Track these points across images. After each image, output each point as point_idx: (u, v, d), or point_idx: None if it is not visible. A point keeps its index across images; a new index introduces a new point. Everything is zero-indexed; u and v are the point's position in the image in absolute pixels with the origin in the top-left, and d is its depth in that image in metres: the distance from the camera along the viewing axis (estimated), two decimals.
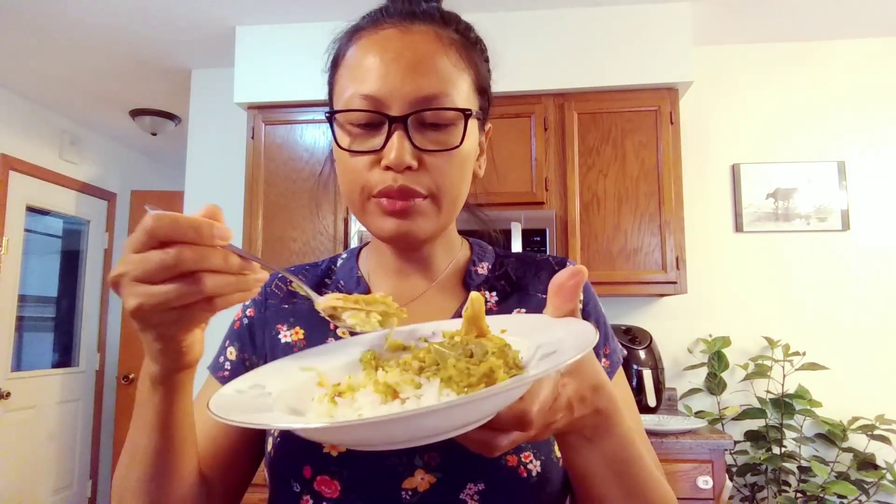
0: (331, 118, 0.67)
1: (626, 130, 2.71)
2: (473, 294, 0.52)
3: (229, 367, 0.75)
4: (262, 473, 0.70)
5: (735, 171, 2.96)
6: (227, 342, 0.78)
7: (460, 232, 0.81)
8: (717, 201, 2.97)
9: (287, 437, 0.65)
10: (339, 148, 0.66)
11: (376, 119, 0.64)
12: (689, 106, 2.92)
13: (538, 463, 0.62)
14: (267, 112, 2.92)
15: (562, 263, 0.78)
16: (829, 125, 2.95)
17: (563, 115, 2.75)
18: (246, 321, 0.77)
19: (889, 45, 2.97)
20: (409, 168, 0.63)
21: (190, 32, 2.99)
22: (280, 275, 0.79)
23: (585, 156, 2.72)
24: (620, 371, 0.75)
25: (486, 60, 0.74)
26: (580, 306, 0.48)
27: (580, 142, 2.72)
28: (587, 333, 0.43)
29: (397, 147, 0.62)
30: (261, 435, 0.73)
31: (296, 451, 0.64)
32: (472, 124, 0.68)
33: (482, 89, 0.71)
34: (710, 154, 2.99)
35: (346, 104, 0.65)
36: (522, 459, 0.61)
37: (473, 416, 0.39)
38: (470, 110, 0.65)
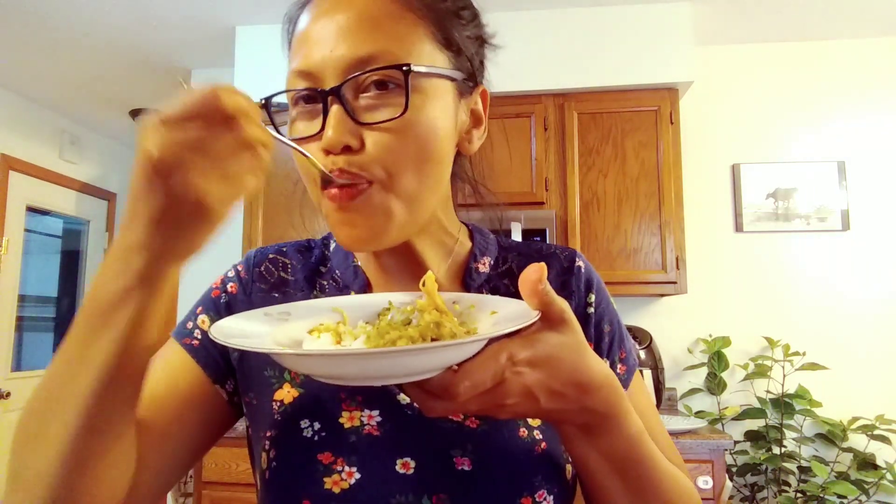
0: (267, 105, 0.57)
1: (626, 130, 2.71)
2: (428, 272, 0.51)
3: (199, 336, 0.65)
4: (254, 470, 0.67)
5: (735, 171, 2.96)
6: (200, 309, 0.68)
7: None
8: (717, 201, 2.97)
9: (283, 461, 0.59)
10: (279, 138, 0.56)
11: (312, 97, 0.56)
12: (689, 106, 2.92)
13: (551, 498, 0.58)
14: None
15: (571, 259, 0.69)
16: (829, 125, 2.95)
17: (563, 115, 2.75)
18: (225, 297, 0.68)
19: (889, 45, 2.97)
20: (349, 149, 0.54)
21: (190, 32, 2.99)
22: (270, 256, 0.71)
23: (585, 156, 2.72)
24: (637, 376, 0.69)
25: (461, 9, 0.61)
26: (552, 299, 0.46)
27: (580, 142, 2.72)
28: (518, 321, 0.46)
29: (332, 125, 0.53)
30: (218, 408, 0.65)
31: (295, 483, 0.58)
32: (436, 86, 0.56)
33: (451, 42, 0.59)
34: (710, 154, 2.99)
35: (285, 87, 0.57)
36: (536, 499, 0.57)
37: (356, 370, 0.43)
38: (407, 65, 0.53)
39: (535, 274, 0.46)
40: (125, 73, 3.43)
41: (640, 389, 0.68)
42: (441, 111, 0.57)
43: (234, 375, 0.66)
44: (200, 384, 0.64)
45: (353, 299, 0.60)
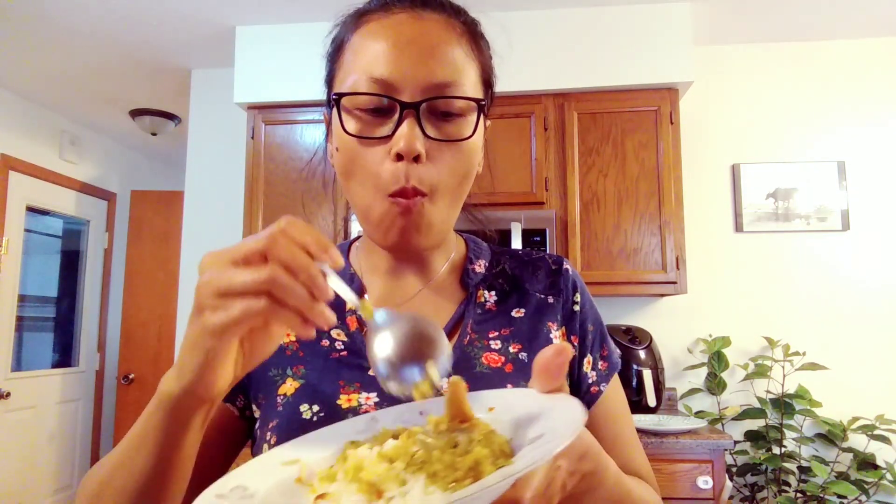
0: (338, 101, 0.63)
1: (626, 130, 2.71)
2: (453, 378, 0.47)
3: None
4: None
5: (735, 171, 2.96)
6: None
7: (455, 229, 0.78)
8: (717, 201, 2.97)
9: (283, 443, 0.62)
10: (347, 134, 0.62)
11: (386, 105, 0.61)
12: (689, 106, 2.92)
13: None
14: (267, 112, 2.92)
15: (558, 262, 0.76)
16: (829, 125, 2.95)
17: (563, 115, 2.75)
18: None
19: (889, 45, 2.97)
20: (417, 158, 0.60)
21: (190, 32, 2.99)
22: None
23: (585, 156, 2.72)
24: (616, 377, 0.73)
25: (490, 57, 0.72)
26: (566, 378, 0.47)
27: (580, 142, 2.72)
28: (575, 413, 0.42)
29: (408, 135, 0.59)
30: (233, 425, 0.69)
31: None
32: (481, 118, 0.66)
33: (487, 83, 0.70)
34: (710, 154, 2.99)
35: (353, 88, 0.62)
36: None
37: None
38: (484, 100, 0.64)
39: (557, 358, 0.45)
40: (125, 73, 3.43)
41: (617, 389, 0.72)
42: (481, 139, 0.68)
43: (243, 391, 0.69)
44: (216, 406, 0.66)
45: (302, 440, 0.53)
